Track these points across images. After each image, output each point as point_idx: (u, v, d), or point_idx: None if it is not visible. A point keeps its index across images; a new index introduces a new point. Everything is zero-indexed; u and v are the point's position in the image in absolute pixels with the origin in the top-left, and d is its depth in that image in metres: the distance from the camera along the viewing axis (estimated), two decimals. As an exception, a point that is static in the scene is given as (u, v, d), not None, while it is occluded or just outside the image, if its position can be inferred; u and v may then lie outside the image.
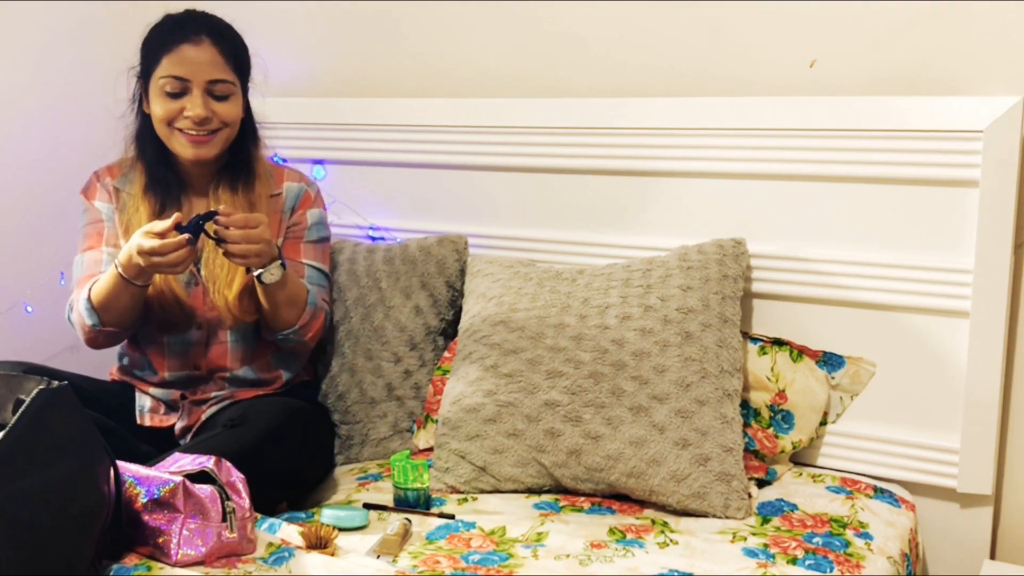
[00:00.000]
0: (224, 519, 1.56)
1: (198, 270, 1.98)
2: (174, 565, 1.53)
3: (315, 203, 2.10)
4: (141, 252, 1.76)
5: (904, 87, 1.96)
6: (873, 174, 1.96)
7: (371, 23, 2.49)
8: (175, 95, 1.91)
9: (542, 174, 2.28)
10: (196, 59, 1.91)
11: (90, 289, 1.91)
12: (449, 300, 2.25)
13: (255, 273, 1.87)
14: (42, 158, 2.56)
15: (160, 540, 1.54)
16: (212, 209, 1.85)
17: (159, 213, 1.95)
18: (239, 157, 2.02)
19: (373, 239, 2.45)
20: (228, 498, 1.57)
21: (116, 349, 2.09)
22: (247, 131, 2.03)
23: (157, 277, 1.90)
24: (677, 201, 2.14)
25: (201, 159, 1.95)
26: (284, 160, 2.45)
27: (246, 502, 1.59)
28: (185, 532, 1.53)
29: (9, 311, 2.47)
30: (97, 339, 1.95)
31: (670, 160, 2.13)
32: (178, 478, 1.55)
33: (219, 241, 1.82)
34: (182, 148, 1.94)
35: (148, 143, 1.99)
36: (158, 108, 1.93)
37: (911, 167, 1.92)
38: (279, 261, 1.88)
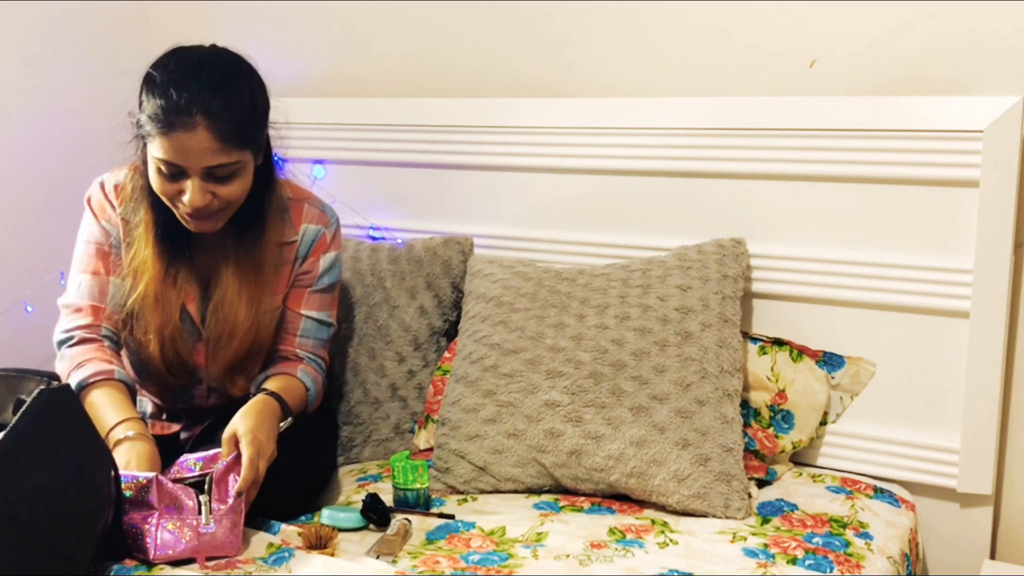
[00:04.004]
0: (199, 511, 1.55)
1: (203, 324, 1.87)
2: (152, 561, 1.52)
3: (331, 246, 1.94)
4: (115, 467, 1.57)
5: (904, 87, 1.96)
6: (873, 174, 1.96)
7: (371, 23, 2.49)
8: (172, 177, 1.70)
9: (542, 174, 2.28)
10: (191, 148, 1.65)
11: (89, 387, 1.77)
12: (454, 301, 2.25)
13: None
14: (41, 157, 2.55)
15: (138, 540, 1.54)
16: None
17: (167, 270, 1.81)
18: (250, 205, 1.81)
19: (373, 239, 2.45)
20: (204, 491, 1.55)
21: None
22: (262, 175, 1.83)
23: (154, 347, 1.83)
24: (677, 201, 2.14)
25: (203, 232, 1.78)
26: (285, 160, 2.44)
27: (231, 499, 1.58)
28: (160, 529, 1.53)
29: (9, 311, 2.47)
30: None
31: (670, 160, 2.13)
32: (151, 474, 1.55)
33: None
34: (183, 222, 1.77)
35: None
36: (155, 183, 1.73)
37: (911, 167, 1.92)
38: (288, 419, 1.79)
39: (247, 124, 1.72)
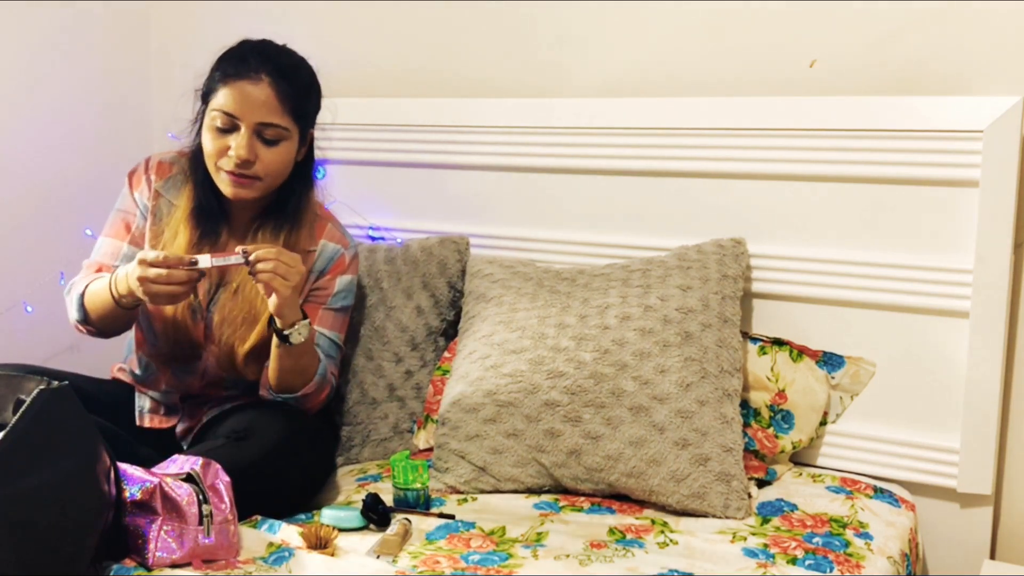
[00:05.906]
0: (200, 522, 1.55)
1: (209, 308, 1.92)
2: (150, 567, 1.52)
3: (348, 268, 2.00)
4: (142, 279, 1.71)
5: (904, 87, 1.96)
6: (873, 174, 1.96)
7: (371, 24, 2.49)
8: (224, 131, 1.85)
9: (542, 174, 2.28)
10: (250, 98, 1.83)
11: (87, 286, 1.89)
12: (450, 300, 2.25)
13: (284, 332, 1.80)
14: (41, 158, 2.56)
15: (139, 541, 1.53)
16: (242, 252, 1.77)
17: (197, 242, 1.90)
18: (287, 202, 1.94)
19: (373, 239, 2.45)
20: (206, 501, 1.55)
21: (125, 345, 2.07)
22: (301, 175, 1.96)
23: (169, 308, 1.87)
24: (677, 201, 2.14)
25: (240, 200, 1.89)
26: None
27: (227, 507, 1.58)
28: (162, 534, 1.52)
29: (9, 311, 2.47)
30: (81, 332, 1.96)
31: (670, 160, 2.13)
32: (155, 479, 1.55)
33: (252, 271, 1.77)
34: (223, 186, 1.87)
35: (201, 167, 1.92)
36: (207, 142, 1.87)
37: (911, 167, 1.92)
38: (306, 320, 1.82)
39: (304, 99, 1.91)
